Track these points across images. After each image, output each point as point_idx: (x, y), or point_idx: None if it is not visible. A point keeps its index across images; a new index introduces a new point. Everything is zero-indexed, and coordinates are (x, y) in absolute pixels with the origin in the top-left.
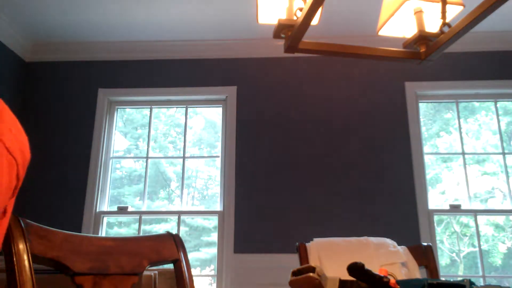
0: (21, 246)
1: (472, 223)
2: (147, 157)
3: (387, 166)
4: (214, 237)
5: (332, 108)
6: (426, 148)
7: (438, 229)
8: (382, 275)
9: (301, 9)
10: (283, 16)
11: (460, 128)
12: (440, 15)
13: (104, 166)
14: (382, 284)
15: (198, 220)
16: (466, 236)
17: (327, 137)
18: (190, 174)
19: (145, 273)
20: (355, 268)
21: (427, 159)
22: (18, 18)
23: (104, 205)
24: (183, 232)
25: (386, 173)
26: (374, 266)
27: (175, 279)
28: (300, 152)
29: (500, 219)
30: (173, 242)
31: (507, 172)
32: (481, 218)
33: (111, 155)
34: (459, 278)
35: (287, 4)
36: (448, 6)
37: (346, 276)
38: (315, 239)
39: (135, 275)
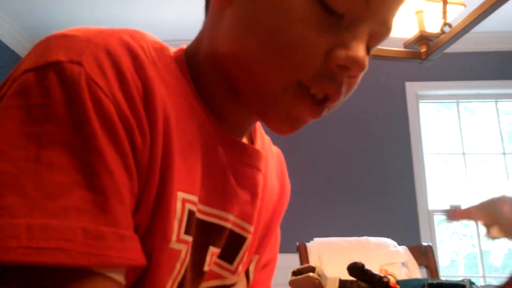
0: None
1: (472, 223)
2: None
3: (387, 166)
4: None
5: (332, 108)
6: (426, 148)
7: (438, 229)
8: (382, 275)
9: None
10: None
11: (460, 128)
12: (441, 15)
13: None
14: (382, 284)
15: None
16: (466, 236)
17: (327, 136)
18: None
19: None
20: (355, 268)
21: (427, 159)
22: (19, 17)
23: None
24: None
25: (386, 173)
26: (374, 266)
27: None
28: (299, 152)
29: None
30: None
31: (507, 172)
32: None
33: None
34: (459, 278)
35: None
36: (449, 6)
37: (346, 276)
38: (315, 239)
39: None
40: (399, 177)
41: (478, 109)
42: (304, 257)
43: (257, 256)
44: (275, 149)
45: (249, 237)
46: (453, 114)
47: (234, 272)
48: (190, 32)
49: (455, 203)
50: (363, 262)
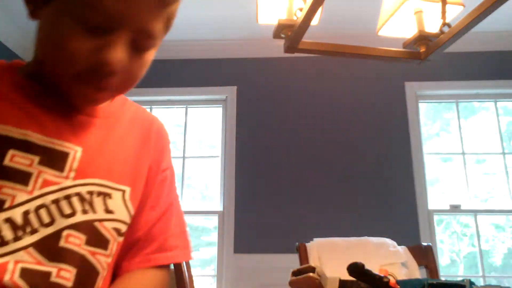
0: None
1: (472, 223)
2: None
3: (387, 166)
4: (214, 237)
5: (332, 108)
6: (426, 148)
7: (438, 229)
8: (382, 275)
9: (301, 9)
10: (283, 16)
11: (460, 128)
12: (440, 15)
13: None
14: (382, 284)
15: (198, 220)
16: (466, 236)
17: (327, 137)
18: (190, 174)
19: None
20: (355, 268)
21: (427, 159)
22: (18, 17)
23: None
24: None
25: (386, 173)
26: (374, 266)
27: (175, 279)
28: (300, 152)
29: (500, 219)
30: None
31: (507, 172)
32: (481, 218)
33: None
34: (459, 278)
35: (287, 4)
36: (448, 6)
37: (346, 276)
38: (315, 239)
39: None
40: (399, 177)
41: (478, 109)
42: (304, 257)
43: (129, 188)
44: (156, 121)
45: (72, 152)
46: (452, 114)
47: (66, 178)
48: (191, 32)
49: (455, 203)
50: (363, 262)
